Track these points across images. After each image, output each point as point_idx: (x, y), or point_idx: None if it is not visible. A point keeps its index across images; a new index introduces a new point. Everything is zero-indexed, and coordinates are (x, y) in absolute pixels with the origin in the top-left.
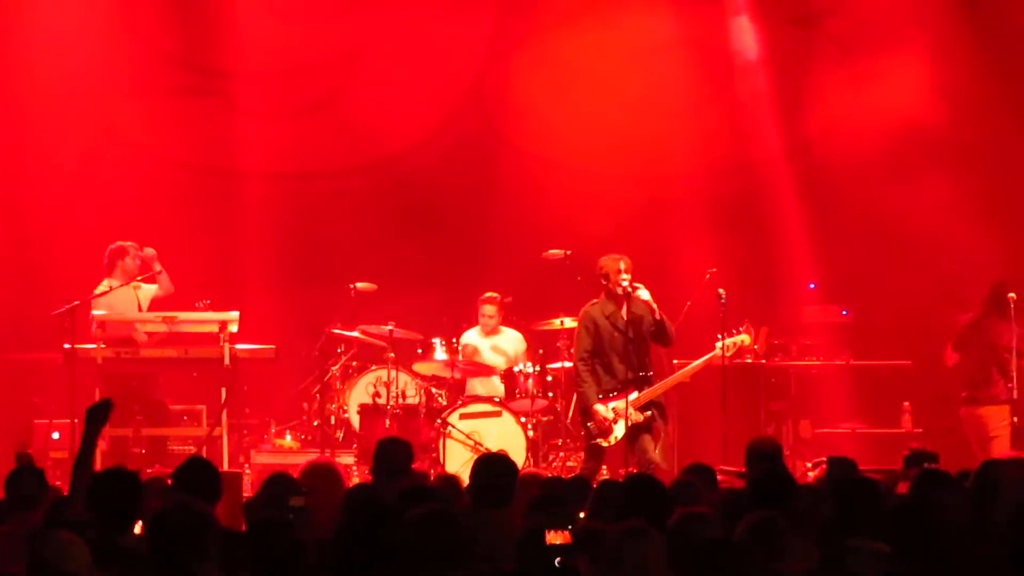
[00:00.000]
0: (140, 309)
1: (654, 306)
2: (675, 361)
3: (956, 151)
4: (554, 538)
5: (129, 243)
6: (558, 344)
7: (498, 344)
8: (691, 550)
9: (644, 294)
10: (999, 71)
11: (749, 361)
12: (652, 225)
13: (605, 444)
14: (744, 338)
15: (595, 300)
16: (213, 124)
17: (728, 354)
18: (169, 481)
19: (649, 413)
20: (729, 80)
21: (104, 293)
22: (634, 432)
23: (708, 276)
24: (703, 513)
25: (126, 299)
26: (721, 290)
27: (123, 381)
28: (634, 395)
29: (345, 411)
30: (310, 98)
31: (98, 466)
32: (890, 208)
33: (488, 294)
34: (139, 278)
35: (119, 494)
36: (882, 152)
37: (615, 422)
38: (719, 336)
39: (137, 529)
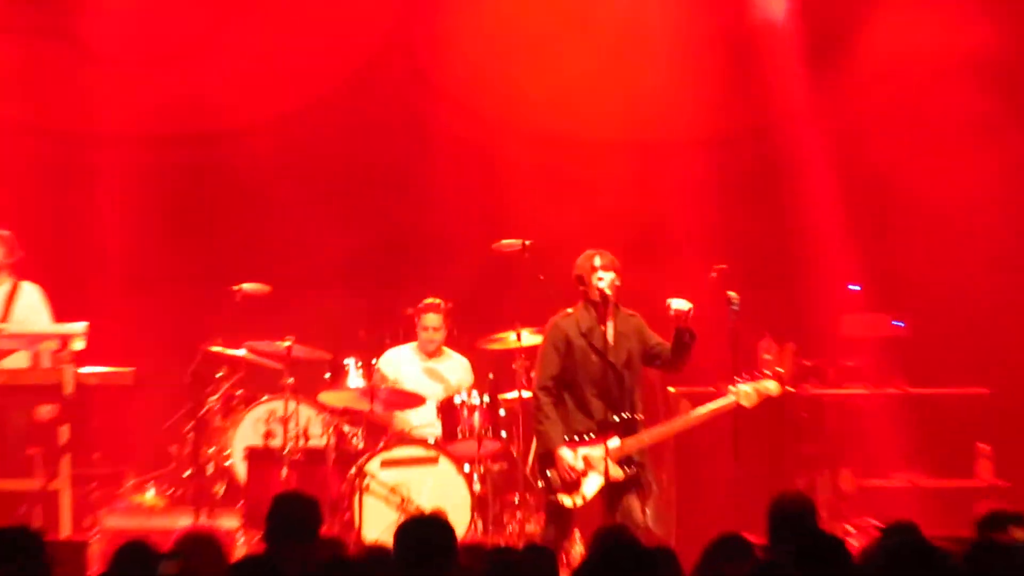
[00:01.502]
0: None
1: (683, 308)
2: (671, 389)
3: None
4: None
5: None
6: (514, 366)
7: (436, 369)
8: None
9: (682, 305)
10: None
11: None
12: (639, 208)
13: (569, 503)
14: (770, 385)
15: (569, 310)
16: (58, 75)
17: (748, 404)
18: None
19: (632, 469)
20: (738, 17)
21: None
22: (615, 491)
23: (714, 275)
24: None
25: None
26: (732, 294)
27: None
28: (615, 442)
29: (227, 457)
30: (187, 40)
31: None
32: (958, 185)
33: (429, 300)
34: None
35: None
36: (946, 112)
37: (584, 474)
38: (736, 378)
39: None
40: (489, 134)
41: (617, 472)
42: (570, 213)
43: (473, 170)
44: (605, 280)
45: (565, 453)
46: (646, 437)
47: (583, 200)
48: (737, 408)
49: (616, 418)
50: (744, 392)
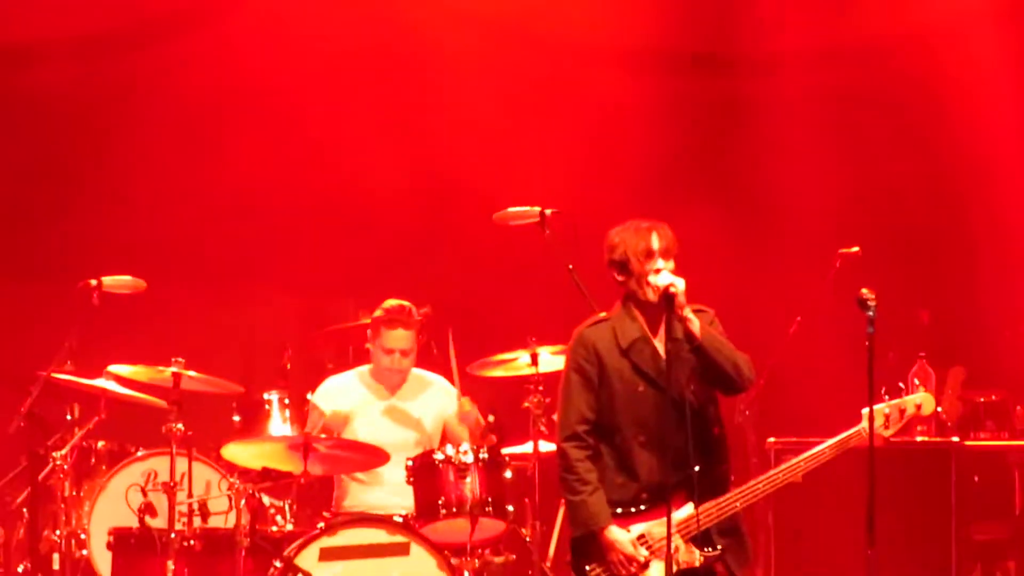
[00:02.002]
0: None
1: (688, 316)
2: (772, 439)
3: None
4: None
5: None
6: (526, 404)
7: (405, 408)
8: None
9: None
10: None
11: (924, 439)
12: (710, 156)
13: None
14: (921, 399)
15: (601, 315)
16: None
17: (888, 432)
18: None
19: (718, 550)
20: None
21: None
22: None
23: (838, 264)
24: None
25: None
26: (867, 292)
27: None
28: (687, 510)
29: (83, 544)
30: None
31: None
32: None
33: (392, 303)
34: None
35: None
36: None
37: (646, 567)
38: (874, 395)
39: None
40: (480, 37)
41: (690, 556)
42: (616, 166)
43: (448, 93)
44: (664, 276)
45: (617, 535)
46: (737, 499)
47: (631, 145)
48: (870, 440)
49: (679, 475)
50: (879, 414)
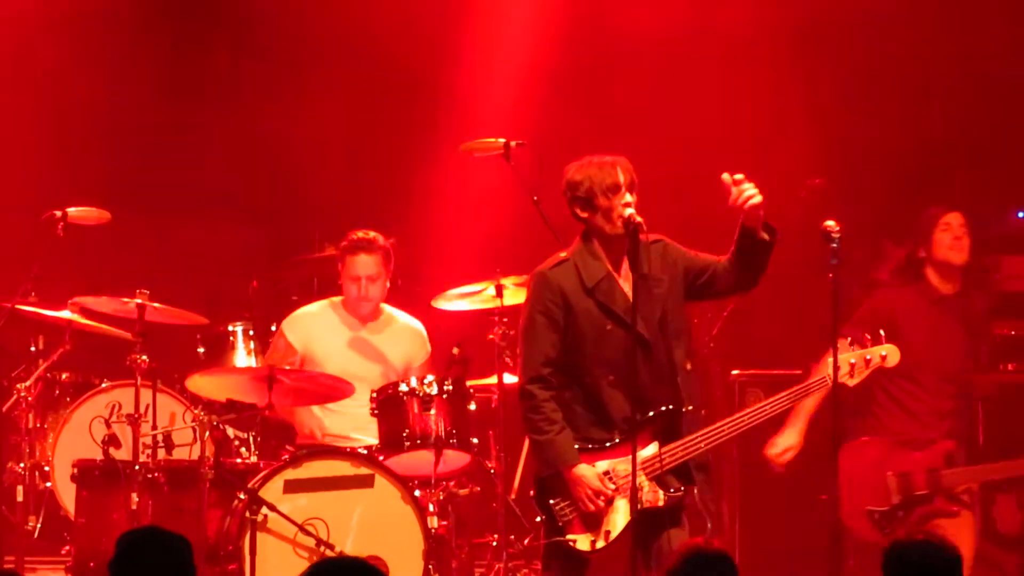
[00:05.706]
0: None
1: None
2: (736, 372)
3: None
4: None
5: None
6: (490, 336)
7: (371, 340)
8: None
9: None
10: None
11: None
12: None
13: (586, 546)
14: (887, 349)
15: (562, 254)
16: None
17: (852, 381)
18: None
19: (681, 491)
20: None
21: None
22: (648, 526)
23: (804, 195)
24: None
25: None
26: (831, 224)
27: None
28: (651, 449)
29: (46, 476)
30: None
31: None
32: None
33: (359, 234)
34: None
35: None
36: None
37: (610, 501)
38: (833, 345)
39: None
40: None
41: (654, 495)
42: (584, 95)
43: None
44: (632, 207)
45: (584, 470)
46: (701, 440)
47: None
48: (834, 388)
49: (645, 414)
50: (844, 363)
